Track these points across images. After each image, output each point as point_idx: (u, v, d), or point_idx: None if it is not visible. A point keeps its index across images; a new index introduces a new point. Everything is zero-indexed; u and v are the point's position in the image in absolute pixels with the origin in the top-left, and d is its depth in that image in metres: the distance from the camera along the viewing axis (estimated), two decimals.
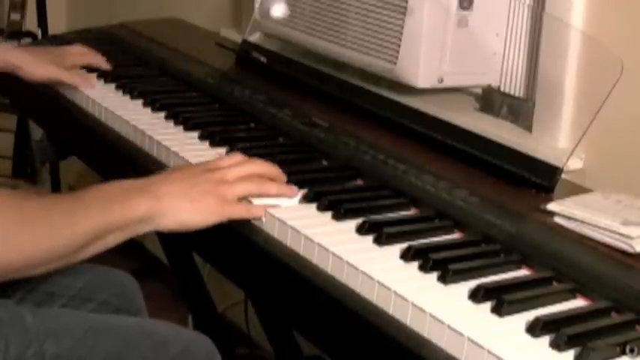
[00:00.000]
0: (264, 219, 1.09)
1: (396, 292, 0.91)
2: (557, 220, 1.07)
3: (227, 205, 1.10)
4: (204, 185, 1.10)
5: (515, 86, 1.52)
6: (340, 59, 1.58)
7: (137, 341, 1.17)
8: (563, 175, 1.18)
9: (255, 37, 1.76)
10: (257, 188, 1.13)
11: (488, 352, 0.82)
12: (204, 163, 1.17)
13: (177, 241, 1.84)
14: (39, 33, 2.78)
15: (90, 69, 1.67)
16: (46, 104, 1.64)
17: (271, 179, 1.15)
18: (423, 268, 0.97)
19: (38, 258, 1.00)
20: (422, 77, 1.45)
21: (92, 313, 1.28)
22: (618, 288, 0.94)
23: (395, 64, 1.46)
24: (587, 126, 1.18)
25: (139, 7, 2.70)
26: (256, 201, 1.12)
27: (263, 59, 1.67)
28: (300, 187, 1.15)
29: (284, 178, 1.16)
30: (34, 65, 1.59)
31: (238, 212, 1.10)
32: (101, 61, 1.68)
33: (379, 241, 1.02)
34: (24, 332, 1.08)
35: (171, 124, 1.41)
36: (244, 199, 1.12)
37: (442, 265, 0.96)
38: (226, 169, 1.13)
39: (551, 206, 1.08)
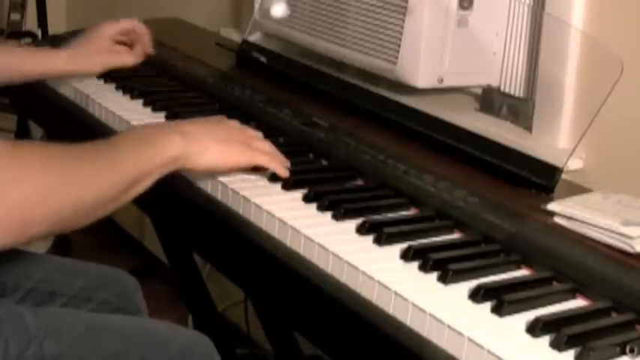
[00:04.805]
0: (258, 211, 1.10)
1: (396, 292, 0.91)
2: (557, 220, 1.07)
3: (251, 149, 1.16)
4: (228, 130, 1.17)
5: (515, 86, 1.52)
6: (340, 59, 1.58)
7: (137, 341, 1.18)
8: (563, 175, 1.18)
9: (255, 37, 1.76)
10: (270, 147, 1.18)
11: (488, 352, 0.82)
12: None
13: (177, 241, 1.84)
14: (39, 33, 2.78)
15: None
16: (46, 104, 1.64)
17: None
18: (423, 268, 0.97)
19: (89, 203, 0.99)
20: (422, 77, 1.45)
21: (92, 313, 1.28)
22: (618, 288, 0.94)
23: (395, 64, 1.46)
24: (587, 126, 1.18)
25: (139, 7, 2.70)
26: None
27: (263, 59, 1.67)
28: (300, 187, 1.15)
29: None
30: (87, 65, 1.52)
31: (261, 159, 1.16)
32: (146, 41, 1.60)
33: (379, 241, 1.02)
34: (24, 331, 1.08)
35: None
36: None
37: (442, 265, 0.96)
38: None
39: (551, 206, 1.08)
